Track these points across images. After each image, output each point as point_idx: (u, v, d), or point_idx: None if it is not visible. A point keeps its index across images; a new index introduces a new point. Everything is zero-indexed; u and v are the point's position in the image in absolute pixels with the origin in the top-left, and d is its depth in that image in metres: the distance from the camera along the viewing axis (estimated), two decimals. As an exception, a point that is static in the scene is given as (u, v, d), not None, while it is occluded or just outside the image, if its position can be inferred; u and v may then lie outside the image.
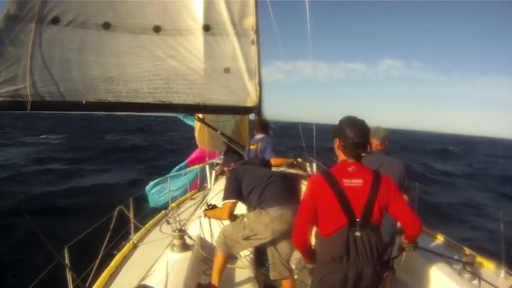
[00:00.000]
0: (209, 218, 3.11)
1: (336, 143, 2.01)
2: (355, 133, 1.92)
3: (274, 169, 3.68)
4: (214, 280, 2.80)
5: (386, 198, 1.92)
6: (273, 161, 4.02)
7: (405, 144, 44.21)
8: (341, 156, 2.00)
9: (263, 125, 4.34)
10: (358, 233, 1.87)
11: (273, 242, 2.81)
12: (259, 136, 4.33)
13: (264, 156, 4.06)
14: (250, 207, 2.84)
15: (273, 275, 2.86)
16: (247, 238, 2.72)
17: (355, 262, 1.87)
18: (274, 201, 2.66)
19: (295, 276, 3.05)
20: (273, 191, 2.72)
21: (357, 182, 1.90)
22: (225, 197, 2.83)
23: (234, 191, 2.81)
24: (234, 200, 2.81)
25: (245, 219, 2.80)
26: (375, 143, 2.98)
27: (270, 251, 2.87)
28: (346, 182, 1.89)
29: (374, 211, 1.89)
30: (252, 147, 4.31)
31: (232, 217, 2.87)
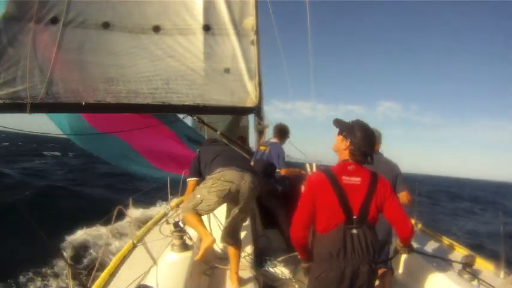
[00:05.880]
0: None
1: (344, 142, 1.99)
2: (366, 142, 1.95)
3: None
4: (202, 232, 2.74)
5: (383, 198, 1.95)
6: (283, 171, 4.12)
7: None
8: (345, 156, 2.01)
9: (281, 131, 4.38)
10: (354, 231, 1.89)
11: (229, 211, 2.96)
12: (272, 140, 4.38)
13: (272, 162, 4.16)
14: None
15: (221, 240, 3.02)
16: (195, 205, 2.77)
17: (352, 260, 1.90)
18: (218, 165, 2.84)
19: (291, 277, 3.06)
20: (219, 160, 2.91)
21: (356, 180, 1.93)
22: (188, 176, 3.24)
23: (195, 170, 3.15)
24: (195, 178, 3.13)
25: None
26: None
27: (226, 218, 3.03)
28: (345, 179, 1.92)
29: (370, 209, 1.92)
30: (262, 147, 4.38)
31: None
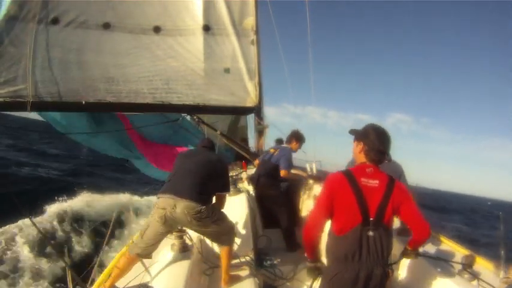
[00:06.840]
0: None
1: (359, 146, 2.05)
2: (380, 140, 2.00)
3: None
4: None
5: (399, 201, 1.96)
6: (282, 172, 4.11)
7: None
8: (361, 159, 2.05)
9: (293, 136, 4.36)
10: (371, 233, 1.90)
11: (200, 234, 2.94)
12: (284, 145, 4.39)
13: (276, 164, 4.16)
14: None
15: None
16: (142, 233, 2.67)
17: (367, 262, 1.90)
18: (162, 188, 2.72)
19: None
20: (168, 181, 2.77)
21: (374, 182, 1.95)
22: None
23: None
24: None
25: None
26: None
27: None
28: (364, 181, 1.95)
29: (387, 212, 1.93)
30: (271, 150, 4.39)
31: None
